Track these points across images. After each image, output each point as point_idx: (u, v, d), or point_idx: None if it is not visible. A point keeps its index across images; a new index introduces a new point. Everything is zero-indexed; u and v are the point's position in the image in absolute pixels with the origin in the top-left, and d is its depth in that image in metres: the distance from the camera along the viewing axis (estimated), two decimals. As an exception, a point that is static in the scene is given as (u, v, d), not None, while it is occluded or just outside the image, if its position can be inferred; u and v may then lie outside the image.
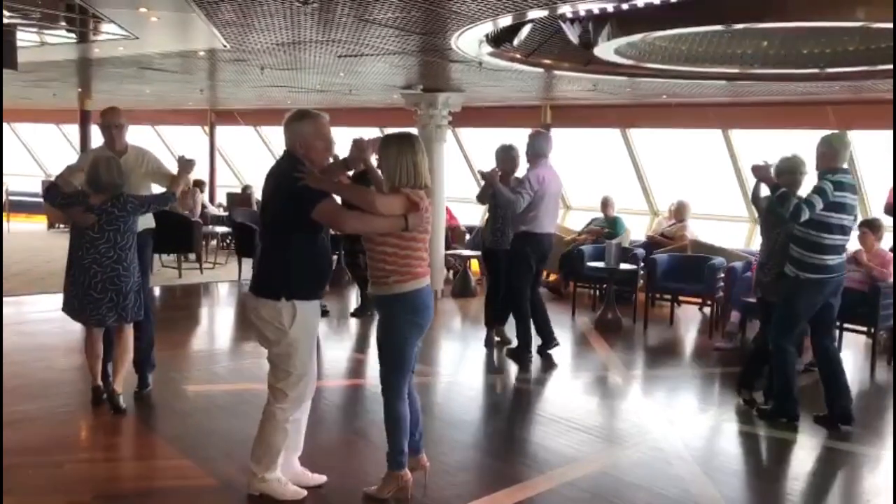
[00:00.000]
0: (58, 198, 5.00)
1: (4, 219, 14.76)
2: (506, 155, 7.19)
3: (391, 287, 3.76)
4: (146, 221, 5.39)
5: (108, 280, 4.91)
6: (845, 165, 5.25)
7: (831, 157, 5.16)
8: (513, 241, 7.01)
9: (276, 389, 3.87)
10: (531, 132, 7.27)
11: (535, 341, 7.09)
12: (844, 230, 5.20)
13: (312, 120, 3.80)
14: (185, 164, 5.28)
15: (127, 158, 5.30)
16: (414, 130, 9.84)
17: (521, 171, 7.24)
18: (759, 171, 5.37)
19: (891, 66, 6.09)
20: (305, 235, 3.75)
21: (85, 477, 4.20)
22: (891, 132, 8.29)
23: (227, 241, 13.18)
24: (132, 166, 5.29)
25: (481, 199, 7.22)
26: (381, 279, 3.77)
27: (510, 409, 6.07)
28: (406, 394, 3.97)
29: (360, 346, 7.95)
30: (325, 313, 8.43)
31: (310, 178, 3.63)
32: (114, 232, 4.91)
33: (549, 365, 7.01)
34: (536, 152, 6.99)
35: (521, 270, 6.95)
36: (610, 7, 5.03)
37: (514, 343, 7.16)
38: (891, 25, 4.89)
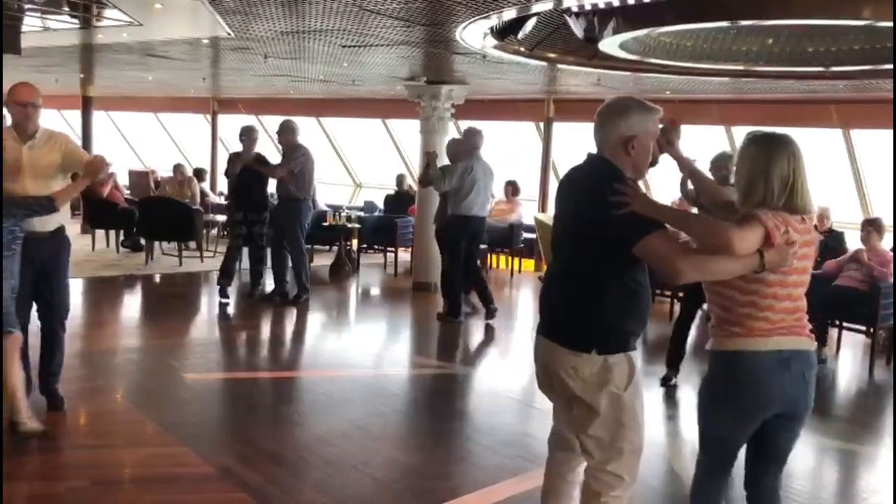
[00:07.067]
0: None
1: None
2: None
3: (717, 341, 2.85)
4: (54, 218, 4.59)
5: None
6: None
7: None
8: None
9: (606, 475, 2.94)
10: (466, 129, 8.42)
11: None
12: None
13: (652, 112, 2.79)
14: (92, 168, 4.49)
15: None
16: (418, 122, 9.93)
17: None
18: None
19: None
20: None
21: (83, 463, 4.20)
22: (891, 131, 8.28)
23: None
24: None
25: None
26: (713, 328, 2.87)
27: (507, 402, 6.07)
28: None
29: (359, 335, 7.96)
30: (269, 296, 8.68)
31: (639, 201, 2.60)
32: None
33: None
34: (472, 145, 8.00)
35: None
36: (615, 1, 5.01)
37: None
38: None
